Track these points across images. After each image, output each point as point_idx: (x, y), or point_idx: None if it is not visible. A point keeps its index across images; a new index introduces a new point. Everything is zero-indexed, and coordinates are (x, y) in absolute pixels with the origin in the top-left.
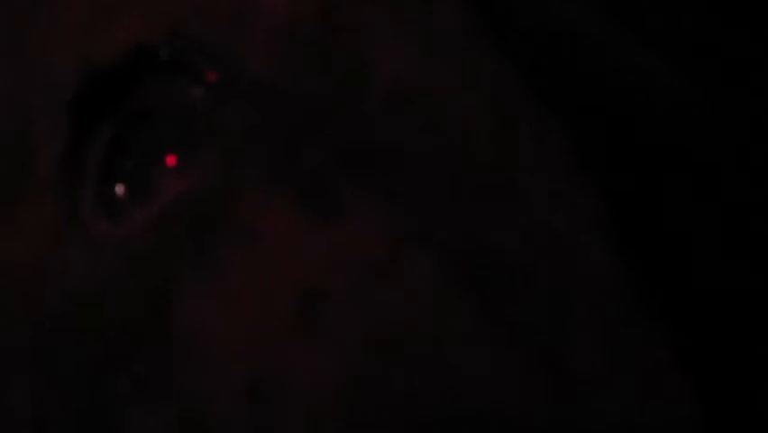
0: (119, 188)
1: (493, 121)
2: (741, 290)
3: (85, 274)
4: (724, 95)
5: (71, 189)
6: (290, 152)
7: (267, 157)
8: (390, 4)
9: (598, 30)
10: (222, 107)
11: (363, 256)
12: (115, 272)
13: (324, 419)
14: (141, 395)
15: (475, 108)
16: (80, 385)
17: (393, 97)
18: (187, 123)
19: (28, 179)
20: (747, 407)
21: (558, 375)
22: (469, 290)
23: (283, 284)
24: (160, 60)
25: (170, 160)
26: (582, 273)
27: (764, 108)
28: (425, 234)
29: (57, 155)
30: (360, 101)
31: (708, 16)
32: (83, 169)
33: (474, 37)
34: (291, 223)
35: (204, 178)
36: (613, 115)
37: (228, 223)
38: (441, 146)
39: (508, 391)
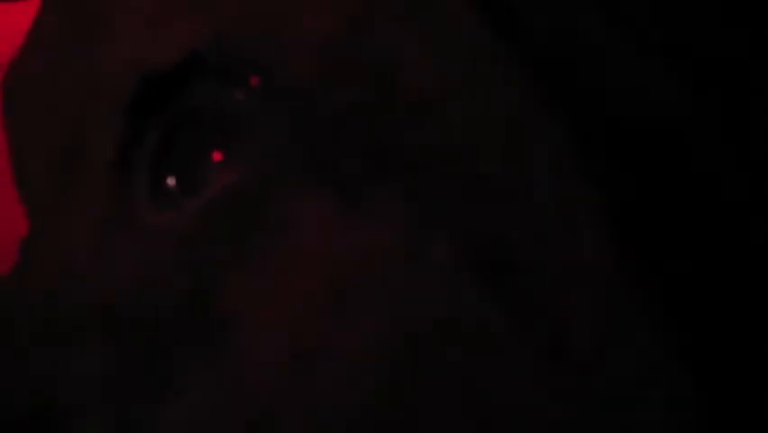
0: (170, 181)
1: (502, 123)
2: (738, 283)
3: (141, 260)
4: (722, 97)
5: (126, 182)
6: (325, 152)
7: (304, 156)
8: (411, 18)
9: (601, 34)
10: (263, 110)
11: (386, 247)
12: (169, 257)
13: (353, 385)
14: (199, 364)
15: (487, 113)
16: (145, 356)
17: (415, 103)
18: (232, 123)
19: (85, 172)
20: (745, 398)
21: (561, 361)
22: (480, 278)
23: (317, 269)
24: (207, 66)
25: (216, 155)
26: (581, 263)
27: (762, 110)
28: (441, 229)
29: (113, 151)
30: (386, 107)
31: (708, 20)
32: (137, 163)
33: (487, 45)
34: (325, 217)
35: (247, 173)
36: (613, 116)
37: (269, 215)
38: (456, 148)
39: (519, 375)
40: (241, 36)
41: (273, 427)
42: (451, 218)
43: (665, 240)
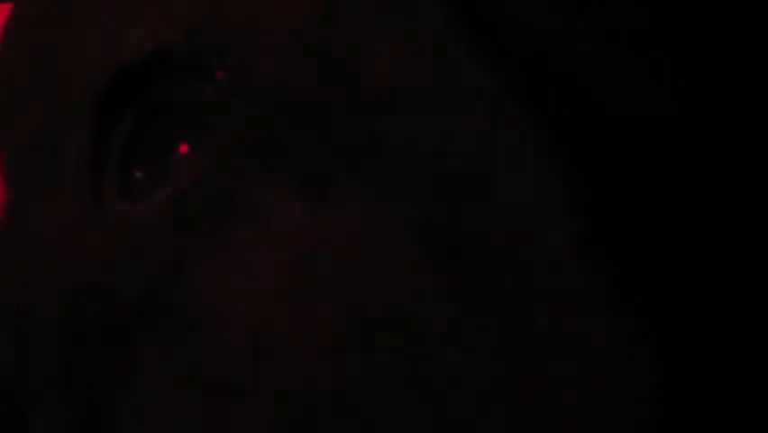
0: (139, 173)
1: (472, 118)
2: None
3: (107, 247)
4: (703, 103)
5: (96, 174)
6: (291, 146)
7: (271, 148)
8: (381, 13)
9: (575, 32)
10: (231, 104)
11: (351, 236)
12: (135, 244)
13: (312, 375)
14: (159, 349)
15: (457, 107)
16: (104, 343)
17: (381, 96)
18: (200, 116)
19: (58, 163)
20: (704, 379)
21: (525, 343)
22: (444, 270)
23: (281, 257)
24: (176, 60)
25: (183, 148)
26: (547, 255)
27: (745, 112)
28: (405, 222)
29: (84, 142)
30: (352, 99)
31: (688, 23)
32: (107, 156)
33: (458, 38)
34: (290, 204)
35: (214, 165)
36: (586, 112)
37: (234, 206)
38: (424, 144)
39: (478, 356)
40: (209, 31)
41: (229, 413)
42: (416, 211)
43: (633, 230)
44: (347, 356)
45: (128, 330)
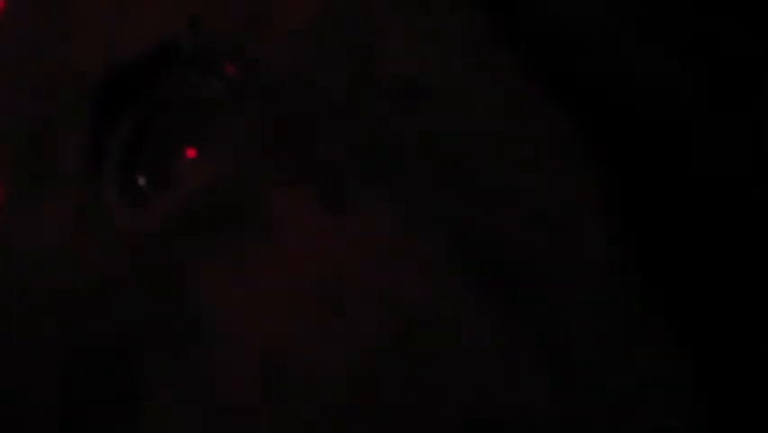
0: (140, 177)
1: (500, 114)
2: (740, 283)
3: (108, 260)
4: (725, 87)
5: (94, 179)
6: (306, 146)
7: (284, 151)
8: (401, 8)
9: (604, 24)
10: (240, 102)
11: (375, 246)
12: (137, 258)
13: (338, 396)
14: (164, 368)
15: (480, 101)
16: (105, 356)
17: (400, 92)
18: (206, 116)
19: (53, 169)
20: (746, 397)
21: (559, 369)
22: (474, 279)
23: (299, 273)
24: (180, 55)
25: (191, 152)
26: (583, 262)
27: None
28: (433, 225)
29: (81, 146)
30: (370, 97)
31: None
32: (106, 159)
33: (480, 31)
34: (306, 211)
35: (223, 170)
36: (617, 108)
37: (246, 213)
38: (447, 140)
39: (509, 374)
40: (219, 22)
41: None
42: (440, 217)
43: (671, 241)
44: (378, 382)
45: (130, 351)
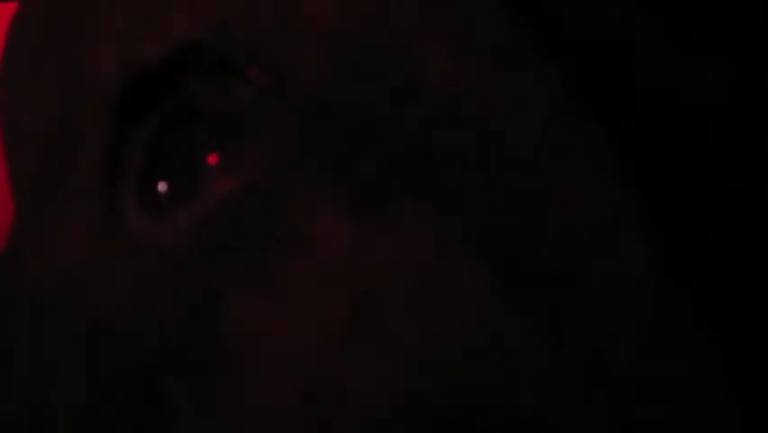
0: (161, 187)
1: (538, 124)
2: None
3: (130, 278)
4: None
5: (113, 187)
6: (341, 157)
7: (317, 162)
8: (436, 11)
9: (643, 31)
10: (269, 109)
11: (415, 263)
12: (161, 276)
13: (379, 428)
14: (196, 406)
15: (522, 113)
16: (129, 395)
17: (440, 102)
18: (231, 123)
19: (72, 172)
20: None
21: (599, 381)
22: (517, 294)
23: (335, 292)
24: (206, 59)
25: (212, 158)
26: (625, 274)
27: None
28: (472, 238)
29: (100, 155)
30: (409, 107)
31: (756, 17)
32: (126, 167)
33: (520, 40)
34: (338, 228)
35: (249, 180)
36: (657, 117)
37: (277, 228)
38: (489, 152)
39: (553, 395)
40: (245, 25)
41: None
42: (483, 231)
43: (714, 254)
44: (423, 409)
45: (159, 379)
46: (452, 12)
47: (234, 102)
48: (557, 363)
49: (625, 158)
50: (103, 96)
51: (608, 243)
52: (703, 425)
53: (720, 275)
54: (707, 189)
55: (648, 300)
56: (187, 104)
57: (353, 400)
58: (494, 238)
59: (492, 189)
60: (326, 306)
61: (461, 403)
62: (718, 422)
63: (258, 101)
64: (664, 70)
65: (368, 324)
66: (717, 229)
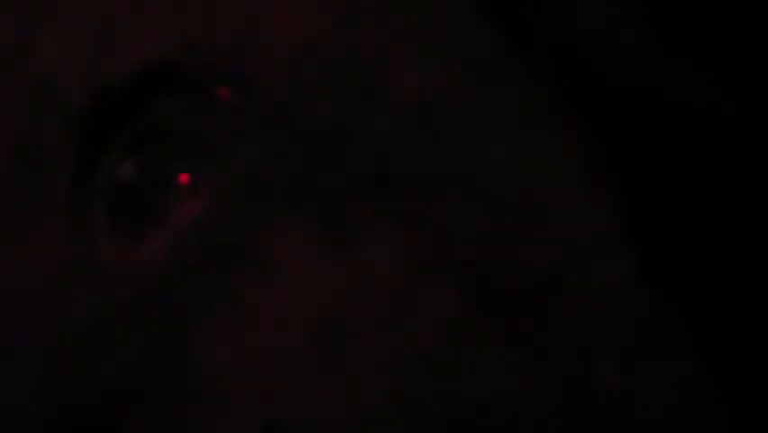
0: (130, 209)
1: (517, 135)
2: None
3: (95, 301)
4: (749, 95)
5: (81, 211)
6: (308, 175)
7: (283, 181)
8: (407, 21)
9: (626, 34)
10: (236, 128)
11: (381, 284)
12: (127, 299)
13: None
14: None
15: (497, 124)
16: (86, 422)
17: (412, 115)
18: (200, 141)
19: (38, 202)
20: None
21: (586, 402)
22: (492, 315)
23: (300, 316)
24: (171, 78)
25: (183, 178)
26: (609, 290)
27: None
28: (445, 258)
29: (67, 176)
30: (379, 121)
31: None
32: (93, 189)
33: (495, 48)
34: (308, 251)
35: (218, 201)
36: (639, 124)
37: (244, 251)
38: (462, 166)
39: (533, 421)
40: (212, 44)
41: None
42: (455, 248)
43: (693, 254)
44: (384, 426)
45: (116, 410)
46: (423, 24)
47: (204, 121)
48: (531, 377)
49: (606, 167)
50: (71, 114)
51: (587, 255)
52: (690, 426)
53: (703, 283)
54: (692, 196)
55: (632, 311)
56: (157, 124)
57: (324, 428)
58: (465, 254)
59: (465, 205)
60: (290, 329)
61: (433, 422)
62: (705, 424)
63: (227, 120)
64: (649, 71)
65: (333, 347)
66: (703, 240)
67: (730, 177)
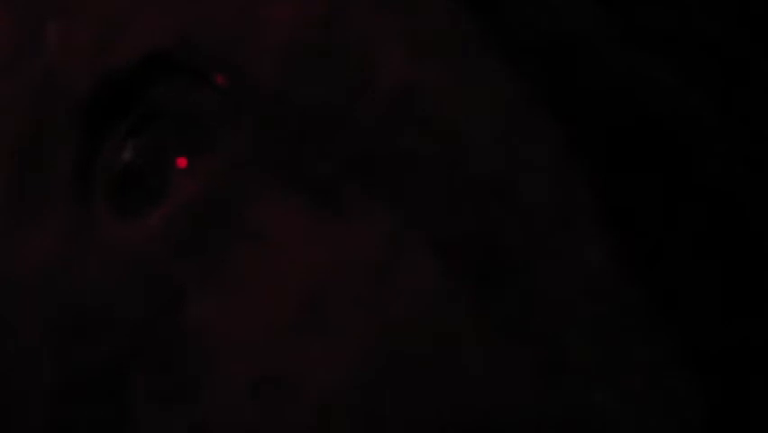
0: (132, 189)
1: (494, 123)
2: (739, 285)
3: (97, 274)
4: (724, 95)
5: (85, 189)
6: (297, 157)
7: (275, 162)
8: (392, 12)
9: (598, 32)
10: (231, 112)
11: (366, 257)
12: (127, 272)
13: (326, 419)
14: (154, 394)
15: (476, 111)
16: (95, 384)
17: (395, 102)
18: (197, 126)
19: (43, 183)
20: (748, 403)
21: (557, 373)
22: (470, 289)
23: (289, 284)
24: (173, 66)
25: (181, 162)
26: (581, 269)
27: (765, 109)
28: (426, 235)
29: (71, 159)
30: (363, 107)
31: (709, 17)
32: (97, 170)
33: (476, 41)
34: (297, 225)
35: (214, 180)
36: (612, 115)
37: (237, 224)
38: (442, 149)
39: (508, 390)
40: (209, 33)
41: None
42: (437, 222)
43: (666, 243)
44: (368, 397)
45: (122, 376)
46: (409, 13)
47: (201, 107)
48: (510, 350)
49: (582, 155)
50: (75, 101)
51: (563, 236)
52: (664, 408)
53: (677, 268)
54: (663, 186)
55: (602, 291)
56: (157, 109)
57: (307, 388)
58: (445, 229)
59: (446, 186)
60: (280, 297)
61: (411, 394)
62: (679, 404)
63: (223, 105)
64: (620, 69)
65: (319, 314)
66: (676, 226)
67: (701, 160)
